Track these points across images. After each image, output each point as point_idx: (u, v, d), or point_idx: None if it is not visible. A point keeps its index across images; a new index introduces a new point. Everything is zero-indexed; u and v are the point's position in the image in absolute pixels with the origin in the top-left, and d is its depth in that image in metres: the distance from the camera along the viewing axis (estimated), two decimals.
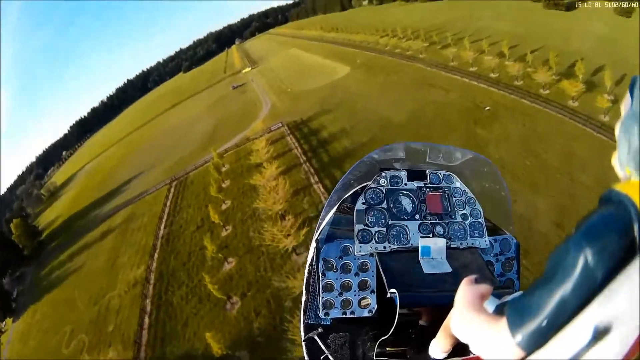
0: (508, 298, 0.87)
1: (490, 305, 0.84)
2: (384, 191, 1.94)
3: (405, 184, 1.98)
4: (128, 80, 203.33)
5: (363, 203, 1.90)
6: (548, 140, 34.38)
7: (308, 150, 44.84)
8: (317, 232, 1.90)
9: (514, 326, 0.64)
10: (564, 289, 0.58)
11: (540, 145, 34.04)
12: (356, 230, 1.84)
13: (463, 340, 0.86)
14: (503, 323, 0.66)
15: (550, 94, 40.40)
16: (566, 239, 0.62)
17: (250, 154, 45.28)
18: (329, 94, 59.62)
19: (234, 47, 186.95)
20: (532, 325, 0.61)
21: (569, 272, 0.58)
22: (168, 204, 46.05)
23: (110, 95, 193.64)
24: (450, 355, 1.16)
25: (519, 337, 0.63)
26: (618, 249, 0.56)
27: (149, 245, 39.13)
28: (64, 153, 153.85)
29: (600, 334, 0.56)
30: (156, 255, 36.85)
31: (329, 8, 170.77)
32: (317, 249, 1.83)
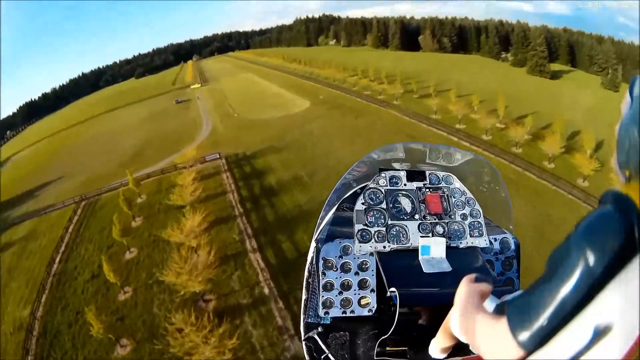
0: (508, 297, 0.84)
1: (490, 304, 0.83)
2: (384, 191, 1.92)
3: (405, 185, 1.95)
4: (83, 73, 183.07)
5: (362, 203, 1.86)
6: (566, 229, 26.29)
7: (247, 199, 33.61)
8: (316, 231, 1.88)
9: (515, 326, 0.64)
10: (564, 289, 0.58)
11: (558, 235, 25.95)
12: (356, 230, 1.80)
13: (463, 339, 0.87)
14: (503, 322, 0.66)
15: (557, 168, 33.33)
16: (566, 238, 0.62)
17: (173, 188, 34.31)
18: (283, 128, 49.12)
19: (190, 62, 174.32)
20: (532, 325, 0.61)
21: (569, 271, 0.58)
22: (70, 229, 36.56)
23: (62, 84, 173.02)
24: (451, 354, 1.15)
25: (520, 336, 0.63)
26: (618, 249, 0.56)
27: (39, 279, 30.38)
28: (7, 133, 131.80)
29: (600, 333, 0.56)
30: (44, 298, 28.12)
31: (293, 42, 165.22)
32: (317, 249, 1.79)
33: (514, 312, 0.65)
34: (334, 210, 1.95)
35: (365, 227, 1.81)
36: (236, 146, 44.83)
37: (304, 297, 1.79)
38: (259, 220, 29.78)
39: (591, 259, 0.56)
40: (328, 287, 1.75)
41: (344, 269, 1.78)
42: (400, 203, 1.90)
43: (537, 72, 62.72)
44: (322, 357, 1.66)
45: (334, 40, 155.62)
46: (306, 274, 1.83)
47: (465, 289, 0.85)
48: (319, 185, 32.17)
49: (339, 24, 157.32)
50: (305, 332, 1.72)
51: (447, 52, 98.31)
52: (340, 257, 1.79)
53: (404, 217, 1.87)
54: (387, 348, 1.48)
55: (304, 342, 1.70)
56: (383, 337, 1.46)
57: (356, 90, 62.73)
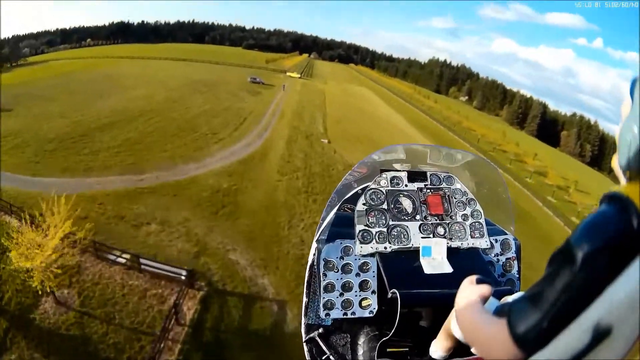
0: (509, 299, 0.87)
1: (491, 306, 0.83)
2: (385, 192, 1.91)
3: (406, 185, 1.94)
4: (193, 20, 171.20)
5: (364, 204, 1.86)
6: None
7: None
8: (318, 232, 1.86)
9: (515, 327, 0.63)
10: (565, 290, 0.58)
11: None
12: (357, 231, 1.79)
13: (464, 340, 0.89)
14: (504, 324, 0.66)
15: None
16: (567, 239, 0.61)
17: None
18: None
19: (304, 55, 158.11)
20: (533, 326, 0.61)
21: (569, 272, 0.58)
22: None
23: (166, 22, 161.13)
24: (452, 355, 1.16)
25: (520, 338, 0.62)
26: (618, 249, 0.55)
27: None
28: (88, 40, 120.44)
29: (600, 334, 0.55)
30: None
31: (421, 81, 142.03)
32: (318, 250, 1.77)
33: (515, 314, 0.64)
34: (335, 210, 1.90)
35: (367, 228, 1.78)
36: (275, 250, 20.69)
37: (304, 298, 1.75)
38: None
39: (592, 259, 0.56)
40: (329, 288, 1.70)
41: (345, 270, 1.73)
42: (401, 204, 1.87)
43: None
44: (323, 358, 1.62)
45: (467, 97, 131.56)
46: (307, 275, 1.78)
47: (466, 291, 0.84)
48: None
49: (477, 82, 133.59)
50: (306, 334, 1.68)
51: (584, 162, 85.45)
52: (341, 258, 1.74)
53: (405, 218, 1.84)
54: (388, 349, 1.45)
55: (305, 344, 1.66)
56: (384, 339, 1.45)
57: (530, 185, 36.89)
